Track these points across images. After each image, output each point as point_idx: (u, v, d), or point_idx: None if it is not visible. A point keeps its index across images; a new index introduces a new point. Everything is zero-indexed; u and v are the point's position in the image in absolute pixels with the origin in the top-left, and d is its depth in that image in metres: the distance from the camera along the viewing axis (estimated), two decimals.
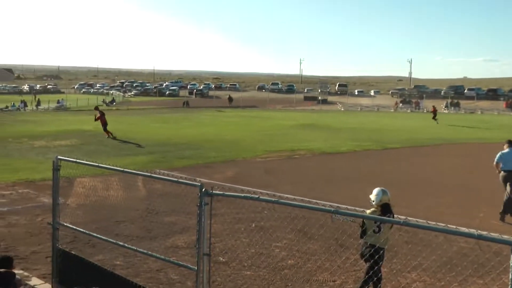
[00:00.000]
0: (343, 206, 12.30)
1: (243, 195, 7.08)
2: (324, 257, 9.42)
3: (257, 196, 6.03)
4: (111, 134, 30.14)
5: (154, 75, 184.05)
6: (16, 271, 7.34)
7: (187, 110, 63.67)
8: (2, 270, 5.95)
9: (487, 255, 7.62)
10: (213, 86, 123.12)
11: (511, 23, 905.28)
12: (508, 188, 13.22)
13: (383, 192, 7.88)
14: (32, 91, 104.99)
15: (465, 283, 8.47)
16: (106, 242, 8.81)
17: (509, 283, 4.57)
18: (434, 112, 49.07)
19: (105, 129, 30.43)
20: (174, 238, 10.96)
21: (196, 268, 6.24)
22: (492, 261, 7.45)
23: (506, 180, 13.35)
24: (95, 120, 31.07)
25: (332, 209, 5.35)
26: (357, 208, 12.06)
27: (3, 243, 10.49)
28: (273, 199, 5.84)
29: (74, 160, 8.37)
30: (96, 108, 32.83)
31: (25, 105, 64.02)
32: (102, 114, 30.86)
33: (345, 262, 9.15)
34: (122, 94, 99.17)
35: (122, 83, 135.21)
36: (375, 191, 7.96)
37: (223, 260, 9.38)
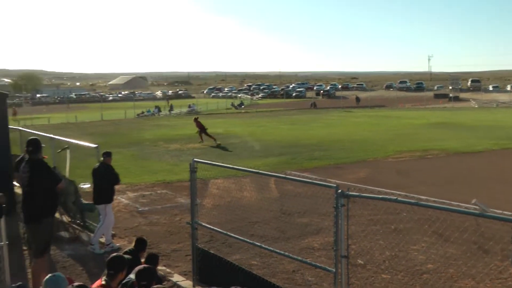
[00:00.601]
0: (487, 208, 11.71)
1: (380, 196, 6.90)
2: (466, 262, 8.96)
3: (395, 197, 5.84)
4: (214, 140, 29.57)
5: (280, 77, 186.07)
6: (159, 268, 7.66)
7: (314, 111, 63.63)
8: (145, 266, 6.20)
9: None
10: (339, 86, 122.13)
11: None
12: None
13: None
14: (165, 97, 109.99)
15: None
16: (241, 242, 8.97)
17: None
18: None
19: (206, 134, 30.14)
20: (309, 239, 10.94)
21: (334, 270, 6.16)
22: None
23: None
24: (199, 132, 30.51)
25: (477, 211, 5.07)
26: (505, 212, 11.43)
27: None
28: (413, 201, 5.65)
29: (210, 162, 8.60)
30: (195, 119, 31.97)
31: (159, 110, 66.98)
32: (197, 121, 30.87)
33: (489, 268, 8.66)
34: (249, 97, 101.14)
35: (250, 86, 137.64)
36: None
37: (362, 262, 9.22)
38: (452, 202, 12.30)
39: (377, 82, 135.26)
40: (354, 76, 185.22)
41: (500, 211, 11.38)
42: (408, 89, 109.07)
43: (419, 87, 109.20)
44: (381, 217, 11.44)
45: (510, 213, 11.66)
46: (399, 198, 5.86)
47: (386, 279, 8.60)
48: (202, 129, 30.27)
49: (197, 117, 32.34)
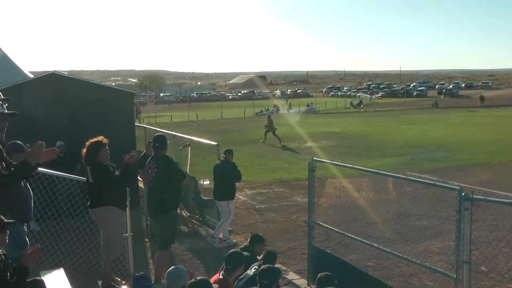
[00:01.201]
0: None
1: (508, 201, 6.57)
2: None
3: None
4: (279, 140, 29.86)
5: (400, 76, 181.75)
6: (276, 265, 7.78)
7: (436, 111, 61.53)
8: (270, 266, 6.28)
9: None
10: (463, 85, 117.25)
11: None
12: None
13: None
14: (283, 95, 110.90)
15: None
16: (357, 243, 8.90)
17: None
18: None
19: (273, 133, 30.59)
20: (427, 242, 10.65)
21: (455, 276, 5.97)
22: None
23: None
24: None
25: None
26: None
27: None
28: None
29: (329, 161, 8.61)
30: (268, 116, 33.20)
31: (278, 109, 67.65)
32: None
33: None
34: (368, 96, 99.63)
35: (369, 85, 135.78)
36: None
37: (485, 269, 8.84)
38: None
39: (504, 80, 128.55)
40: (467, 75, 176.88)
41: None
42: None
43: None
44: (507, 223, 10.87)
45: None
46: None
47: None
48: (271, 128, 30.64)
49: (270, 115, 33.15)
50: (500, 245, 9.95)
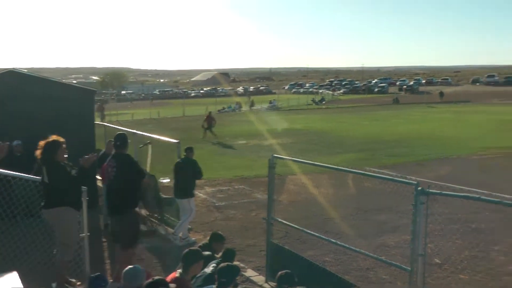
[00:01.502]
0: None
1: (462, 194, 6.71)
2: None
3: (478, 196, 5.71)
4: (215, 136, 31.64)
5: (363, 73, 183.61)
6: (235, 263, 7.78)
7: (396, 107, 62.34)
8: (229, 264, 6.25)
9: None
10: (423, 81, 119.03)
11: None
12: None
13: None
14: (246, 92, 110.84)
15: None
16: (316, 239, 8.97)
17: None
18: None
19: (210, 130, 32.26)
20: (385, 237, 10.82)
21: (409, 268, 6.09)
22: None
23: None
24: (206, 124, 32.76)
25: None
26: None
27: None
28: (496, 200, 5.48)
29: (290, 158, 8.67)
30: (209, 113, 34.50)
31: (240, 106, 67.62)
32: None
33: None
34: (331, 92, 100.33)
35: (331, 81, 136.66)
36: None
37: (438, 261, 9.01)
38: None
39: (463, 77, 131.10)
40: (428, 71, 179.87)
41: None
42: (496, 84, 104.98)
43: (509, 81, 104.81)
44: (461, 216, 11.13)
45: None
46: (482, 197, 5.70)
47: (464, 280, 8.39)
48: (209, 125, 32.31)
49: (210, 112, 34.70)
50: (454, 238, 10.18)
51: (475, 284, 8.21)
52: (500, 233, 10.32)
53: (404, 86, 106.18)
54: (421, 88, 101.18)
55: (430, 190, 5.88)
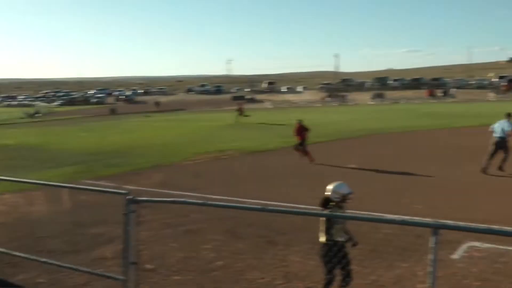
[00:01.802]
0: (272, 203, 12.45)
1: (170, 199, 6.98)
2: (252, 256, 9.46)
3: (183, 199, 5.99)
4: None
5: (80, 84, 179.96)
6: None
7: (114, 117, 62.53)
8: None
9: (410, 239, 7.89)
10: (141, 91, 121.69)
11: (433, 13, 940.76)
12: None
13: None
14: None
15: (390, 268, 8.66)
16: (27, 260, 8.51)
17: (429, 263, 4.77)
18: (241, 109, 47.57)
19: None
20: (101, 249, 10.68)
21: (123, 278, 6.13)
22: (415, 244, 7.70)
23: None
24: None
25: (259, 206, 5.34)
26: (287, 204, 12.17)
27: None
28: (200, 201, 5.82)
29: None
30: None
31: None
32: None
33: (273, 258, 9.25)
34: (46, 104, 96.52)
35: (46, 93, 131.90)
36: (339, 185, 7.34)
37: (151, 267, 9.22)
38: (240, 200, 12.87)
39: (179, 86, 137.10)
40: (146, 81, 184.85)
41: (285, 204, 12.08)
42: (208, 92, 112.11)
43: (218, 90, 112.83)
44: (174, 220, 11.59)
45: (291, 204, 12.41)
46: (187, 200, 6.00)
47: (177, 281, 8.71)
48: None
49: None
50: (168, 241, 10.55)
51: (188, 283, 8.58)
52: (211, 232, 10.95)
53: (121, 96, 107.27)
54: (138, 98, 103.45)
55: (139, 198, 6.01)
